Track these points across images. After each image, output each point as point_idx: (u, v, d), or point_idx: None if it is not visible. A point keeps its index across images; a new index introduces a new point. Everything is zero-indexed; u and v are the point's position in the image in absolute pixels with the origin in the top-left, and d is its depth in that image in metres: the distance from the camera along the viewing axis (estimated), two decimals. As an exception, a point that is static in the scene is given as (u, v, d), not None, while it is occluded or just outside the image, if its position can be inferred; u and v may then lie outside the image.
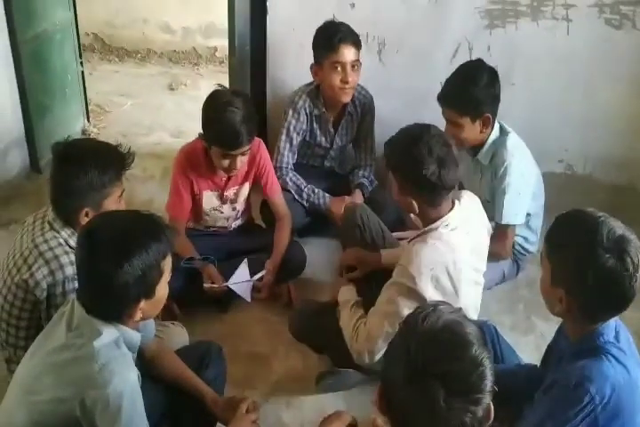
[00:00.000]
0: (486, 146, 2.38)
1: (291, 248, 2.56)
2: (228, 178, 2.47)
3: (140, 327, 1.60)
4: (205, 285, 2.38)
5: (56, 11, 3.39)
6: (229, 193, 2.52)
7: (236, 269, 2.43)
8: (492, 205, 2.37)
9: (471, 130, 2.32)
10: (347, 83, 2.62)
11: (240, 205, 2.58)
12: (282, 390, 2.21)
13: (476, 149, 2.42)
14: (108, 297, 1.41)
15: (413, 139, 1.81)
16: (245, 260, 2.46)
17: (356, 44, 2.63)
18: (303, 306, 2.24)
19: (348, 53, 2.59)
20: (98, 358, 1.38)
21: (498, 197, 2.36)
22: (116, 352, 1.42)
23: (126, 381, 1.40)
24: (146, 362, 1.76)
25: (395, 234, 2.42)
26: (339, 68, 2.60)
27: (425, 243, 1.84)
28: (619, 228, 1.44)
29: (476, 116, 2.30)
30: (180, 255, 2.36)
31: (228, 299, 2.49)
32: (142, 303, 1.45)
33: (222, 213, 2.56)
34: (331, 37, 2.59)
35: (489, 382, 1.08)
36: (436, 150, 1.78)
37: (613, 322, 1.51)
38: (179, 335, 2.13)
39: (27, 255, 1.79)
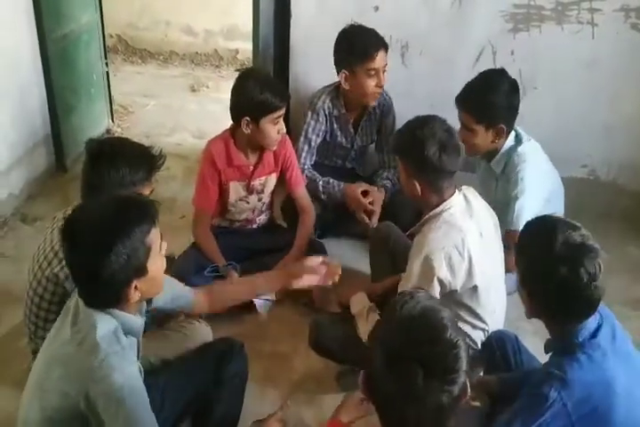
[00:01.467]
0: (499, 154, 2.40)
1: (312, 247, 2.58)
2: (255, 167, 2.51)
3: (174, 299, 1.70)
4: None
5: (83, 12, 3.45)
6: (256, 183, 2.54)
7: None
8: (506, 212, 2.37)
9: (483, 138, 2.33)
10: (381, 86, 2.67)
11: (266, 197, 2.61)
12: (303, 388, 2.22)
13: (490, 155, 2.43)
14: (99, 287, 1.41)
15: (419, 123, 1.90)
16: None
17: (387, 47, 2.65)
18: (319, 319, 2.25)
19: (382, 60, 2.62)
20: (97, 353, 1.38)
21: (510, 203, 2.36)
22: (115, 346, 1.42)
23: (126, 374, 1.40)
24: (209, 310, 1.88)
25: None
26: (373, 74, 2.62)
27: (431, 228, 1.89)
28: (578, 236, 1.44)
29: (491, 126, 2.30)
30: (204, 253, 2.41)
31: (247, 307, 2.50)
32: (136, 283, 1.43)
33: (248, 203, 2.58)
34: (365, 45, 2.59)
35: (463, 363, 1.14)
36: (439, 134, 1.86)
37: (594, 320, 1.50)
38: (203, 332, 2.14)
39: (57, 249, 1.82)
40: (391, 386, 1.13)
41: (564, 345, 1.50)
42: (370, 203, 2.72)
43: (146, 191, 1.84)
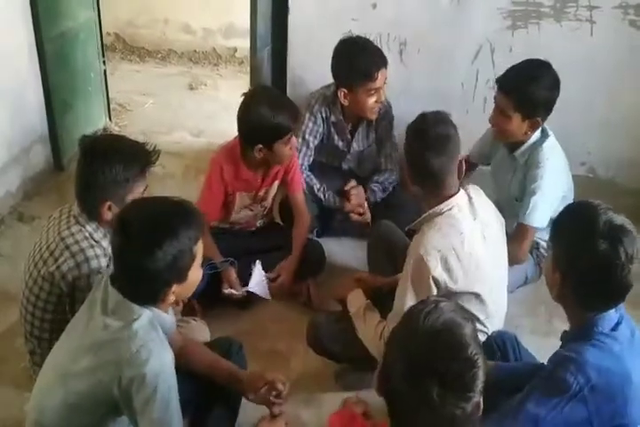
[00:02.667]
0: (526, 145, 2.37)
1: (310, 247, 2.57)
2: (263, 180, 2.50)
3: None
4: (225, 291, 2.40)
5: (80, 10, 3.43)
6: (261, 192, 2.54)
7: (249, 273, 2.44)
8: (520, 205, 2.37)
9: (518, 126, 2.30)
10: (381, 102, 2.64)
11: (268, 203, 2.62)
12: (301, 387, 2.20)
13: (514, 145, 2.41)
14: (141, 282, 1.46)
15: (421, 119, 1.87)
16: (257, 262, 2.46)
17: (386, 64, 2.59)
18: (317, 318, 2.24)
19: (382, 79, 2.57)
20: (136, 339, 1.43)
21: (526, 196, 2.35)
22: (152, 334, 1.47)
23: (162, 361, 1.44)
24: (174, 356, 1.78)
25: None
26: (373, 93, 2.59)
27: (431, 227, 1.86)
28: (620, 219, 1.46)
29: (528, 116, 2.28)
30: (204, 255, 2.39)
31: (247, 299, 2.49)
32: (174, 287, 1.49)
33: (252, 210, 2.58)
34: (366, 66, 2.52)
35: (480, 383, 1.15)
36: (430, 134, 1.81)
37: (615, 315, 1.50)
38: (200, 331, 2.13)
39: (53, 248, 1.81)
40: (406, 396, 1.15)
41: (583, 333, 1.50)
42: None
43: (140, 188, 1.84)
